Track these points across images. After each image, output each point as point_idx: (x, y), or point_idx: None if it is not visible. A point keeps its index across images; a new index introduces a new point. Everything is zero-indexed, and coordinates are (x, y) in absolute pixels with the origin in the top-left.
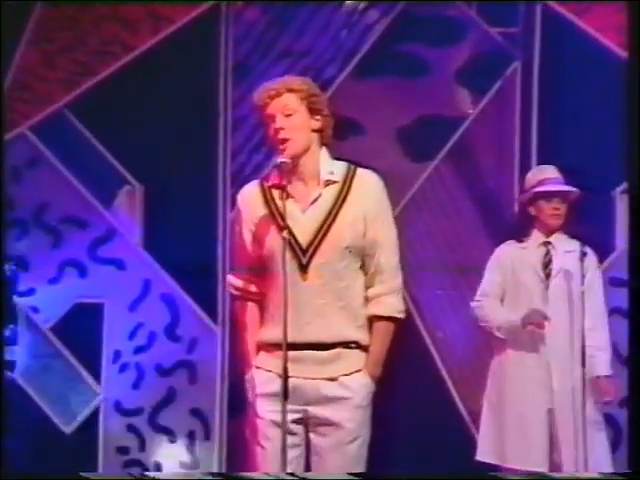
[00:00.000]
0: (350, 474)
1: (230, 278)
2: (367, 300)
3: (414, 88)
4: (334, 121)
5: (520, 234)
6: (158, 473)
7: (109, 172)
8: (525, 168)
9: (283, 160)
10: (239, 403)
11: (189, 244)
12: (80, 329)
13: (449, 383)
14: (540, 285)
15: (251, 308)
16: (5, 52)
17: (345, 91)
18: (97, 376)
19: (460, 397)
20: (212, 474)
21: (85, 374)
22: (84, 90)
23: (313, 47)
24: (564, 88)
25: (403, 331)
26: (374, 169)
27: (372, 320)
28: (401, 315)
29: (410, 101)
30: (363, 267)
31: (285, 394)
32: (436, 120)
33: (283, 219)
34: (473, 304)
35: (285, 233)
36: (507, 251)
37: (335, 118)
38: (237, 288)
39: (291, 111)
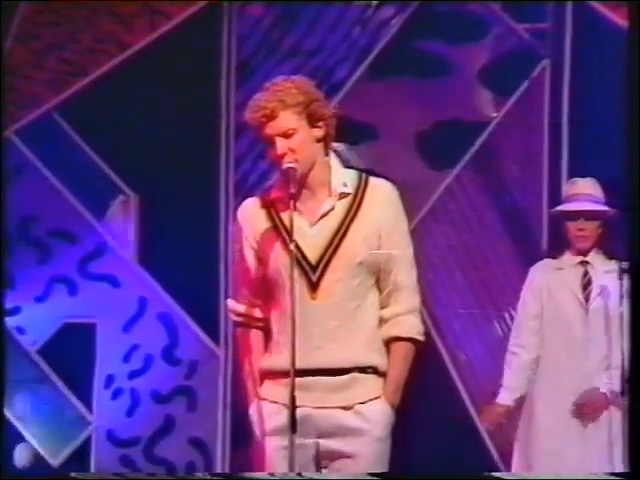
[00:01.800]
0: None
1: (231, 303)
2: (383, 321)
3: (433, 89)
4: (346, 126)
5: (554, 251)
6: (157, 473)
7: (101, 181)
8: (555, 177)
9: (290, 166)
10: (243, 432)
11: (188, 259)
12: (69, 351)
13: (471, 408)
14: (580, 309)
15: (255, 335)
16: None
17: (358, 93)
18: (88, 403)
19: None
20: (212, 474)
21: (75, 401)
22: (75, 91)
23: (323, 45)
24: (597, 89)
25: (422, 353)
26: (389, 178)
27: (389, 342)
28: (422, 337)
29: (428, 104)
30: (377, 284)
31: (293, 426)
32: (457, 124)
33: (290, 231)
34: (510, 347)
35: (292, 246)
36: (542, 272)
37: (347, 122)
38: (239, 314)
39: (291, 131)
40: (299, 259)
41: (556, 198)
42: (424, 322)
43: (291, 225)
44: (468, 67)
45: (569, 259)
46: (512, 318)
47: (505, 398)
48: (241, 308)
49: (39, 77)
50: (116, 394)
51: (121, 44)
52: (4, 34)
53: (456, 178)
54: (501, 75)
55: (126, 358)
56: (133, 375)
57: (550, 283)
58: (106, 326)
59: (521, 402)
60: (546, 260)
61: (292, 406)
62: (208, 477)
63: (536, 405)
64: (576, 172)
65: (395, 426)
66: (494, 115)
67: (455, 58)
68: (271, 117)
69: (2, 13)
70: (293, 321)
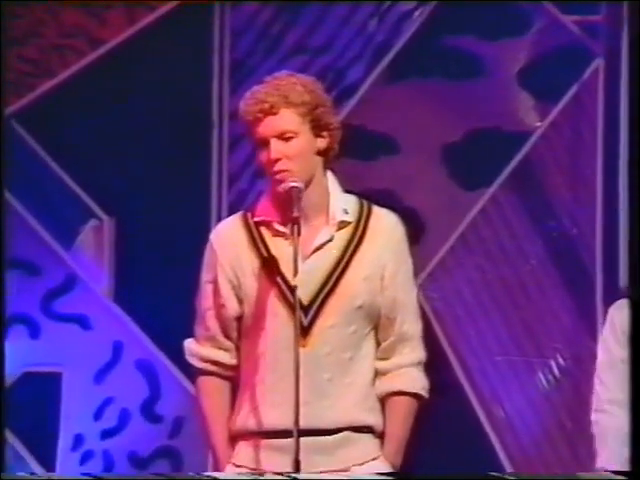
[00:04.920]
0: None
1: (192, 345)
2: (380, 373)
3: (463, 94)
4: (360, 137)
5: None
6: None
7: (69, 202)
8: (610, 199)
9: (294, 184)
10: None
11: (173, 296)
12: (30, 406)
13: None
14: None
15: (223, 386)
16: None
17: (374, 98)
18: (51, 468)
19: None
20: (210, 474)
21: (35, 465)
22: (37, 95)
23: (333, 41)
24: None
25: (453, 408)
26: (411, 198)
27: (388, 397)
28: (426, 393)
29: (458, 110)
30: (375, 334)
31: None
32: (492, 135)
33: (294, 263)
34: (597, 406)
35: (296, 280)
36: (622, 312)
37: (361, 133)
38: (204, 359)
39: (290, 134)
40: (288, 297)
41: (612, 223)
42: (454, 370)
43: (295, 255)
44: (506, 67)
45: None
46: (559, 366)
47: (605, 462)
48: (207, 352)
49: None
50: (86, 457)
51: (92, 40)
52: (4, 34)
53: (492, 199)
54: (545, 77)
55: (98, 414)
56: (106, 434)
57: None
58: (74, 376)
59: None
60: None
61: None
62: (205, 477)
63: None
64: (636, 192)
65: None
66: (537, 124)
67: (490, 56)
68: (270, 112)
69: (2, 13)
70: (297, 373)
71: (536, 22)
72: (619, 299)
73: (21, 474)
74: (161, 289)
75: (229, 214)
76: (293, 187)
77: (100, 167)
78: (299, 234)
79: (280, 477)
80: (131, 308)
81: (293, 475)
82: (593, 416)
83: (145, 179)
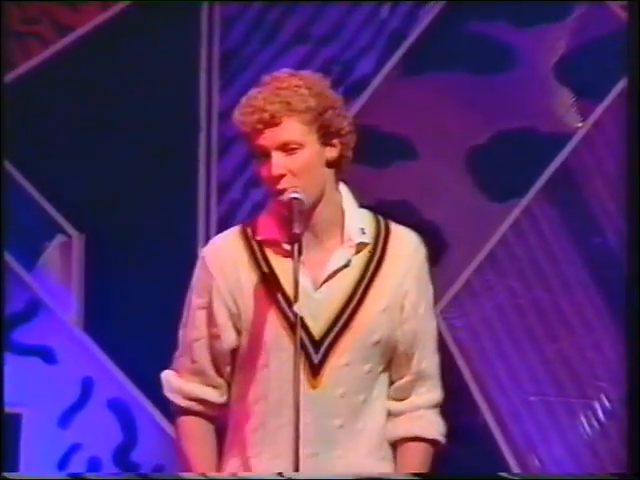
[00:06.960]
0: None
1: (174, 379)
2: (393, 415)
3: (491, 90)
4: (371, 140)
5: None
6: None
7: (33, 215)
8: None
9: (295, 196)
10: None
11: (151, 326)
12: None
13: None
14: None
15: (207, 429)
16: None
17: (387, 95)
18: None
19: None
20: (205, 475)
21: None
22: None
23: (339, 30)
24: None
25: (481, 457)
26: (431, 211)
27: (402, 443)
28: (444, 439)
29: (486, 109)
30: (388, 371)
31: None
32: (526, 138)
33: (295, 288)
34: None
35: (296, 308)
36: None
37: (373, 135)
38: (188, 396)
39: (295, 145)
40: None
41: None
42: (482, 412)
43: (295, 281)
44: (541, 59)
45: None
46: (604, 409)
47: None
48: (192, 388)
49: None
50: None
51: (60, 26)
52: (4, 34)
53: (525, 212)
54: (587, 70)
55: (63, 463)
56: None
57: None
58: (36, 418)
59: None
60: None
61: None
62: (201, 477)
63: None
64: None
65: None
66: (578, 125)
67: (523, 46)
68: (270, 123)
69: (2, 13)
70: (297, 416)
71: (576, 6)
72: None
73: (21, 474)
74: (138, 318)
75: (218, 229)
76: (293, 199)
77: (69, 175)
78: (300, 254)
79: (278, 477)
80: (103, 339)
81: (291, 475)
82: None
83: (121, 189)
